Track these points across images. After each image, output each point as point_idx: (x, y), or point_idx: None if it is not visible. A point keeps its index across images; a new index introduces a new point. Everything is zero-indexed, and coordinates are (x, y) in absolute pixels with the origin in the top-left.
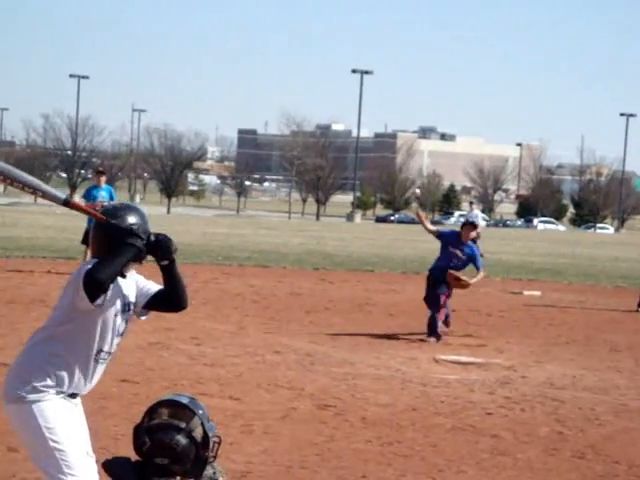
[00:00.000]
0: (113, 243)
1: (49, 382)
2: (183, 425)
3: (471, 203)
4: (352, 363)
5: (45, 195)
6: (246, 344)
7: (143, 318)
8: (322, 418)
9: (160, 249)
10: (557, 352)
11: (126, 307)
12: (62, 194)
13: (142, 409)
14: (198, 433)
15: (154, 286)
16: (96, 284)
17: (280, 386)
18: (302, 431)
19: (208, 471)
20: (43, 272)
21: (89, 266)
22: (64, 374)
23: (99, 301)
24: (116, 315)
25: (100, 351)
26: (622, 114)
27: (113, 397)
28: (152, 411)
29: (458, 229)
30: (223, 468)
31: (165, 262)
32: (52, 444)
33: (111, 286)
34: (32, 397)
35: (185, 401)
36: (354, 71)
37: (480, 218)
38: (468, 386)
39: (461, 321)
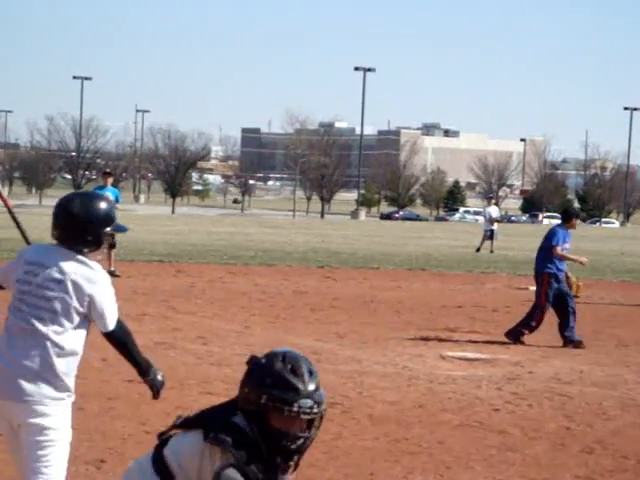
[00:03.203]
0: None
1: (73, 382)
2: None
3: (490, 198)
4: (358, 361)
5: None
6: (252, 343)
7: None
8: (329, 416)
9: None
10: (564, 347)
11: None
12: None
13: (149, 409)
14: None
15: None
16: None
17: None
18: None
19: None
20: None
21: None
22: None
23: None
24: None
25: None
26: (626, 108)
27: (120, 397)
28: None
29: (557, 226)
30: None
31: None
32: (65, 447)
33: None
34: (70, 399)
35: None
36: (357, 68)
37: (496, 212)
38: (475, 382)
39: (467, 317)
